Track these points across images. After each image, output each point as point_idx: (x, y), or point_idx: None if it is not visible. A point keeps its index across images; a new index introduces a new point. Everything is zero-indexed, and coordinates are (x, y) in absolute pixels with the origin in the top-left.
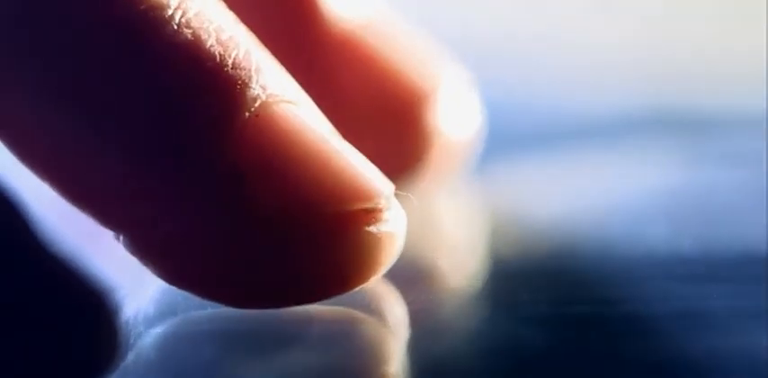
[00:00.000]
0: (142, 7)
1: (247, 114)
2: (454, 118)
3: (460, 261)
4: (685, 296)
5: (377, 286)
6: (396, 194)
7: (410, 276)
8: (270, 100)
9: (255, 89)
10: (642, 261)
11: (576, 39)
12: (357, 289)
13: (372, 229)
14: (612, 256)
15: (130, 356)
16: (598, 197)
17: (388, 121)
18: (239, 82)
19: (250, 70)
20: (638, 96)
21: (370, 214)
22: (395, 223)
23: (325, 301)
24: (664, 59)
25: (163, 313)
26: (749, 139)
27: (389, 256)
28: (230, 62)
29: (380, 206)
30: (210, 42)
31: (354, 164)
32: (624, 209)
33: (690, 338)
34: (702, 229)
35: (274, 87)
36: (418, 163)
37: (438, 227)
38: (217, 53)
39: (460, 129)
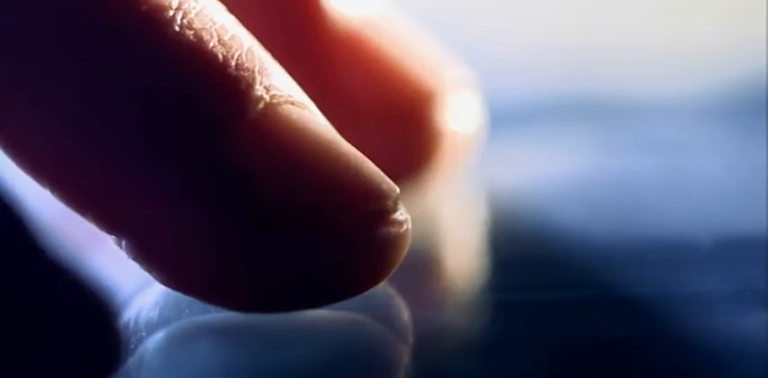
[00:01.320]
0: (143, 8)
1: (252, 115)
2: (458, 116)
3: (460, 260)
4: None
5: (380, 288)
6: (401, 195)
7: (412, 277)
8: (274, 101)
9: (259, 90)
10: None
11: (491, 25)
12: (366, 292)
13: (381, 231)
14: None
15: (132, 361)
16: (512, 183)
17: (394, 119)
18: (243, 83)
19: (253, 71)
20: (552, 83)
21: (379, 216)
22: (402, 225)
23: (329, 306)
24: (577, 46)
25: (165, 318)
26: (663, 126)
27: (398, 257)
28: (233, 63)
29: (389, 208)
30: (213, 43)
31: (361, 166)
32: (536, 195)
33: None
34: (615, 215)
35: (278, 88)
36: (425, 162)
37: (434, 227)
38: (219, 54)
39: (464, 127)
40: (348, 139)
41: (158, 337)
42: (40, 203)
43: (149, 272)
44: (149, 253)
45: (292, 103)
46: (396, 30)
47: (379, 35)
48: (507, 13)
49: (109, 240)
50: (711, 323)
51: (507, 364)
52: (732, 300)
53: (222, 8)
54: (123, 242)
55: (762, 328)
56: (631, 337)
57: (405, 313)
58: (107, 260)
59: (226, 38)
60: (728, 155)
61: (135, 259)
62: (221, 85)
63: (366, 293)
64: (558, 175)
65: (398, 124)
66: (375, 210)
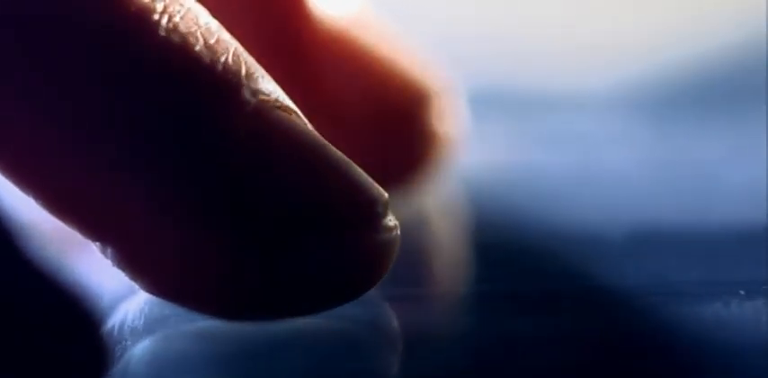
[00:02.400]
0: (128, 11)
1: (239, 120)
2: (445, 118)
3: (448, 265)
4: None
5: (368, 295)
6: (390, 200)
7: (401, 281)
8: (261, 106)
9: (246, 94)
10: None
11: (404, 17)
12: (356, 299)
13: (371, 237)
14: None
15: (117, 370)
16: None
17: (384, 122)
18: (229, 87)
19: (240, 75)
20: (465, 76)
21: (368, 223)
22: (391, 231)
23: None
24: (490, 39)
25: (150, 325)
26: (576, 119)
27: (388, 263)
28: (219, 67)
29: (378, 214)
30: (198, 47)
31: (349, 172)
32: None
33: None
34: (528, 208)
35: (265, 93)
36: (417, 165)
37: (425, 231)
38: (205, 58)
39: (451, 129)
40: (337, 143)
41: (143, 345)
42: (23, 208)
43: (134, 280)
44: (135, 261)
45: (279, 108)
46: (378, 30)
47: (365, 36)
48: (421, 5)
49: (93, 247)
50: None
51: (495, 365)
52: (649, 293)
53: (206, 12)
54: (108, 250)
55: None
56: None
57: (393, 320)
58: (91, 266)
59: (211, 41)
60: (641, 148)
61: (120, 267)
62: (208, 89)
63: (354, 301)
64: (472, 168)
65: (389, 127)
66: (364, 216)
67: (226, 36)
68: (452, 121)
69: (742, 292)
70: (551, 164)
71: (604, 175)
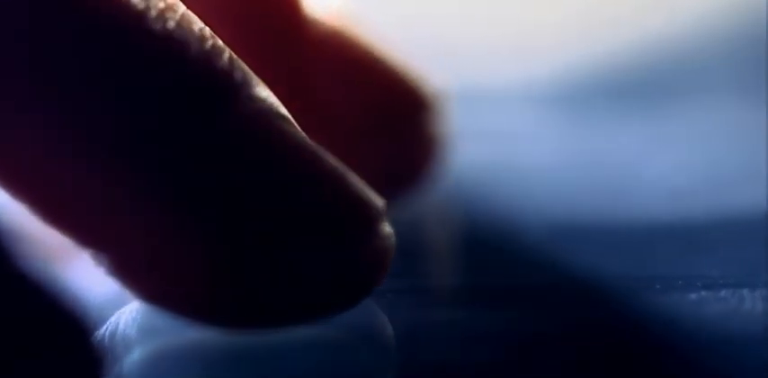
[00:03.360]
0: (127, 15)
1: (235, 125)
2: (437, 122)
3: (441, 269)
4: None
5: (363, 304)
6: (385, 208)
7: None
8: (256, 112)
9: (242, 100)
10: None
11: None
12: (353, 306)
13: (366, 245)
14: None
15: None
16: None
17: (380, 126)
18: (225, 92)
19: (235, 81)
20: None
21: (364, 231)
22: (387, 238)
23: (312, 323)
24: (404, 37)
25: (143, 335)
26: (491, 114)
27: (384, 271)
28: (215, 73)
29: (373, 222)
30: (194, 53)
31: (345, 180)
32: None
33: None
34: (444, 203)
35: (260, 99)
36: (413, 169)
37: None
38: (201, 63)
39: (443, 132)
40: (331, 147)
41: (136, 355)
42: (13, 215)
43: (128, 288)
44: (128, 268)
45: (275, 116)
46: (365, 32)
47: (358, 38)
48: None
49: (84, 255)
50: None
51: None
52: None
53: (197, 19)
54: (100, 257)
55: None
56: None
57: (388, 330)
58: (82, 274)
59: (206, 48)
60: (557, 142)
61: (113, 275)
62: (203, 94)
63: (349, 310)
64: None
65: (383, 130)
66: (360, 223)
67: (219, 42)
68: (444, 123)
69: (658, 286)
70: (467, 160)
71: (520, 171)
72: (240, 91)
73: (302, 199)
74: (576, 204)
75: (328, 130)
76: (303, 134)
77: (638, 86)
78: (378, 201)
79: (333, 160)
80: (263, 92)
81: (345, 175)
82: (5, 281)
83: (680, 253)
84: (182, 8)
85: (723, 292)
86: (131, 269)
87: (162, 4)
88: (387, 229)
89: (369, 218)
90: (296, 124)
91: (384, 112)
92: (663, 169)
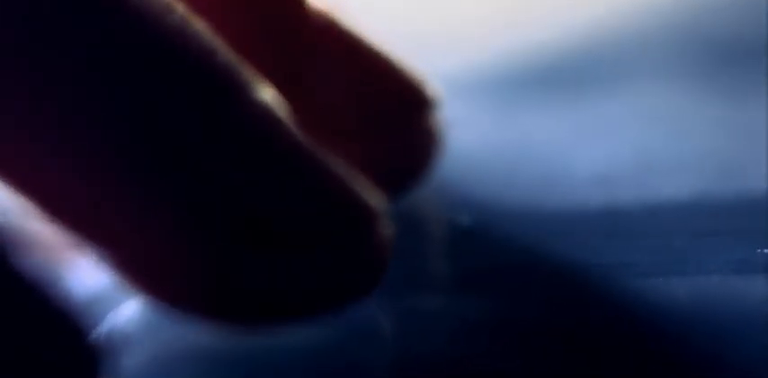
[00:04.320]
0: (126, 15)
1: (235, 127)
2: (434, 119)
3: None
4: None
5: (361, 303)
6: (385, 208)
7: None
8: (255, 114)
9: (242, 101)
10: None
11: None
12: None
13: (366, 245)
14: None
15: None
16: None
17: (381, 124)
18: (225, 92)
19: (234, 81)
20: None
21: (364, 231)
22: (386, 238)
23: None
24: None
25: (141, 335)
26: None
27: (382, 271)
28: (214, 72)
29: (374, 223)
30: (194, 52)
31: (347, 177)
32: None
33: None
34: None
35: (259, 100)
36: (412, 166)
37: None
38: (201, 62)
39: (438, 130)
40: (330, 145)
41: (135, 356)
42: (9, 211)
43: (130, 284)
44: (130, 265)
45: (272, 114)
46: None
47: (355, 37)
48: None
49: (84, 251)
50: None
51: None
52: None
53: (196, 18)
54: (103, 253)
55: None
56: None
57: (387, 328)
58: (78, 271)
59: (206, 46)
60: (485, 130)
61: (115, 271)
62: (202, 94)
63: (347, 309)
64: None
65: (384, 129)
66: (359, 224)
67: (218, 42)
68: (440, 121)
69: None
70: None
71: (449, 160)
72: (240, 91)
73: (301, 199)
74: (503, 192)
75: (326, 129)
76: (302, 134)
77: (568, 75)
78: (377, 200)
79: (332, 160)
80: (263, 92)
81: (344, 174)
82: (2, 279)
83: (608, 240)
84: (180, 8)
85: (652, 280)
86: (134, 265)
87: (160, 4)
88: (386, 228)
89: (368, 217)
90: (295, 123)
91: (382, 109)
92: (592, 156)
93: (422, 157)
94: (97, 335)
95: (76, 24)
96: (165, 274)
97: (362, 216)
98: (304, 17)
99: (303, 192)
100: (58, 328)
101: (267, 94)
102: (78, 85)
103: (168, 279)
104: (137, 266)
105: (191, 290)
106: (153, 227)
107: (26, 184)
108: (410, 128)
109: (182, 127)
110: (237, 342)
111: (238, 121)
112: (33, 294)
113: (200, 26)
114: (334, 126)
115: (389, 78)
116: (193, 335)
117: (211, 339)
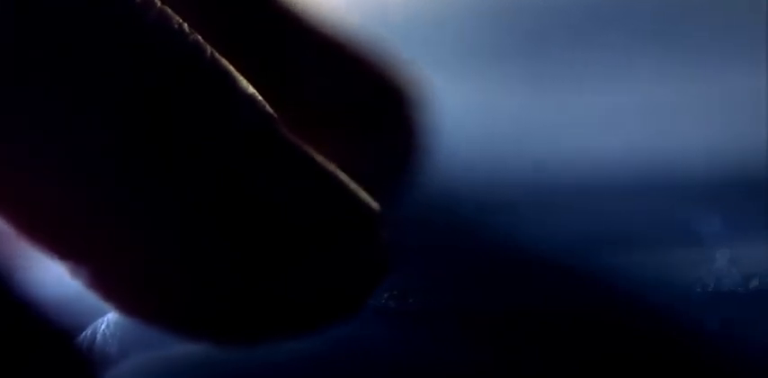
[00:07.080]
0: (107, 9)
1: (222, 129)
2: (421, 113)
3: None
4: None
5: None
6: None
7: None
8: (242, 114)
9: (227, 101)
10: None
11: None
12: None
13: (364, 252)
14: None
15: None
16: None
17: (370, 122)
18: (215, 90)
19: (217, 81)
20: None
21: (362, 238)
22: (383, 242)
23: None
24: None
25: (125, 350)
26: None
27: (382, 277)
28: (202, 70)
29: (370, 229)
30: (172, 50)
31: (341, 180)
32: None
33: None
34: None
35: (245, 100)
36: (404, 165)
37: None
38: (181, 62)
39: (426, 124)
40: (320, 147)
41: (118, 370)
42: None
43: (106, 301)
44: (107, 282)
45: (263, 116)
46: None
47: (341, 35)
48: None
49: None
50: None
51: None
52: None
53: (174, 15)
54: (79, 269)
55: None
56: None
57: (385, 333)
58: (60, 282)
59: (189, 41)
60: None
61: (91, 288)
62: (186, 96)
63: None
64: None
65: (372, 128)
66: (356, 228)
67: (199, 39)
68: (427, 115)
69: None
70: None
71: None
72: (224, 91)
73: (295, 204)
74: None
75: (315, 129)
76: (292, 135)
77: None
78: (374, 207)
79: (324, 162)
80: (249, 91)
81: (338, 177)
82: None
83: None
84: (157, 3)
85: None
86: (110, 282)
87: (137, 0)
88: (383, 231)
89: (364, 221)
90: (282, 124)
91: (369, 108)
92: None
93: (408, 155)
94: (79, 345)
95: (54, 24)
96: (145, 289)
97: (362, 218)
98: (285, 17)
99: (297, 197)
100: (41, 338)
101: (253, 91)
102: (53, 89)
103: (148, 295)
104: (115, 282)
105: (172, 305)
106: (132, 241)
107: (2, 201)
108: (395, 127)
109: (166, 132)
110: (223, 357)
111: (225, 122)
112: (15, 303)
113: (179, 22)
114: (319, 127)
115: (373, 77)
116: (176, 349)
117: (196, 354)
